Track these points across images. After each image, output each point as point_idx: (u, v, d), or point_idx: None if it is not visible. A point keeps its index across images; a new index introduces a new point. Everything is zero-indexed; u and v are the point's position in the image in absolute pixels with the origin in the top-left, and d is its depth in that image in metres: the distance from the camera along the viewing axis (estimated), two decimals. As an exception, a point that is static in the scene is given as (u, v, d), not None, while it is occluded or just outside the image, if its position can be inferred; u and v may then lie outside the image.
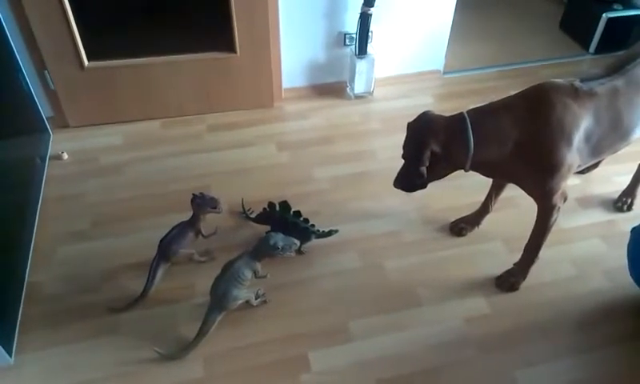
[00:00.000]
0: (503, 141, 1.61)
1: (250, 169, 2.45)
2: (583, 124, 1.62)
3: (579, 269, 2.01)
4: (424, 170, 1.64)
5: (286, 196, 2.06)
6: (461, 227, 2.15)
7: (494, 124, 1.61)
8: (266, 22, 2.52)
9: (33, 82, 2.43)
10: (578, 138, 1.63)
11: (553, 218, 1.78)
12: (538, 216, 1.81)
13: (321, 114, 2.81)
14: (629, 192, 2.27)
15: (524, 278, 1.94)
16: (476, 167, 1.68)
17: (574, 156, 1.63)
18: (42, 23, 2.30)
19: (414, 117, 1.73)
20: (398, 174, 1.78)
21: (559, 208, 1.75)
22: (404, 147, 1.74)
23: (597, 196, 2.32)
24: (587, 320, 1.85)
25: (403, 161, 1.75)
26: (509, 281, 1.95)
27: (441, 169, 1.69)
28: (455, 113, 1.65)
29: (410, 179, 1.73)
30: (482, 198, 2.11)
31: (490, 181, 2.03)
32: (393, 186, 1.78)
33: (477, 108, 1.66)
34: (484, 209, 2.12)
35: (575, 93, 1.62)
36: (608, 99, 1.65)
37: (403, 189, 1.78)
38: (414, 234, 2.14)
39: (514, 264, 1.96)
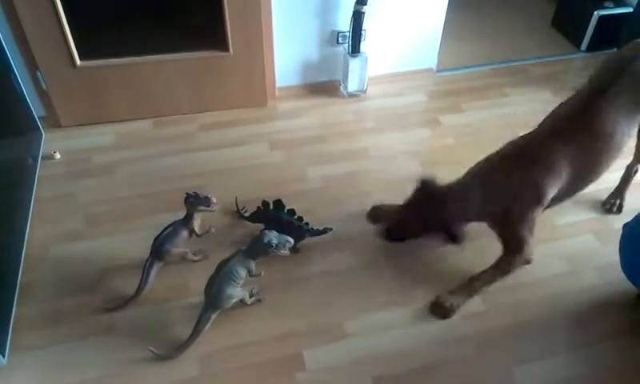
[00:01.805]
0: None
1: (243, 168, 2.44)
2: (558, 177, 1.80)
3: (572, 265, 2.02)
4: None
5: (279, 194, 2.06)
6: None
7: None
8: (258, 21, 2.52)
9: (25, 81, 2.41)
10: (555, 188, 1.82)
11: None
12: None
13: (314, 113, 2.81)
14: (617, 194, 2.27)
15: (461, 305, 1.87)
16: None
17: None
18: (33, 22, 2.28)
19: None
20: (391, 229, 2.00)
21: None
22: (411, 213, 1.94)
23: (589, 193, 2.32)
24: (581, 316, 1.86)
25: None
26: (444, 306, 1.85)
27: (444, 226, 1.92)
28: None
29: (408, 235, 1.99)
30: None
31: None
32: (381, 239, 2.02)
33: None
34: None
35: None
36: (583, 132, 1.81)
37: (397, 241, 2.02)
38: (408, 232, 2.14)
39: (456, 287, 1.90)
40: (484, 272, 1.88)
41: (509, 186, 1.78)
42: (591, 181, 1.91)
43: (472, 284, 1.87)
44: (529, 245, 1.83)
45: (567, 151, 1.76)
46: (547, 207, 1.86)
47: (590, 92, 1.84)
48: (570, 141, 1.77)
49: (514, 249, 1.84)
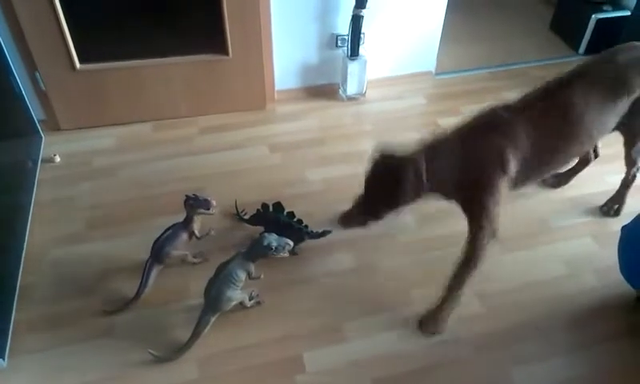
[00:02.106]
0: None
1: (243, 170, 2.45)
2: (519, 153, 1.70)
3: (571, 268, 2.03)
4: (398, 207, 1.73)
5: (279, 197, 2.06)
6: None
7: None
8: (258, 24, 2.53)
9: (24, 84, 2.41)
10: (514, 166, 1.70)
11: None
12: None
13: (313, 116, 2.82)
14: (616, 199, 2.27)
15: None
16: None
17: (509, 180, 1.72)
18: (33, 25, 2.29)
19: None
20: (348, 215, 1.86)
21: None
22: (370, 190, 1.77)
23: (588, 195, 2.34)
24: (580, 318, 1.86)
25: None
26: (427, 328, 1.83)
27: (406, 201, 1.73)
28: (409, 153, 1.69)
29: (371, 216, 1.82)
30: None
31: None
32: (339, 225, 1.88)
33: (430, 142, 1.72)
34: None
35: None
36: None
37: (356, 226, 1.87)
38: (407, 235, 2.14)
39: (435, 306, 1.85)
40: (456, 274, 1.76)
41: (474, 154, 1.70)
42: (551, 165, 1.84)
43: (451, 294, 1.78)
44: (495, 216, 1.72)
45: (531, 127, 1.70)
46: (513, 186, 1.77)
47: (570, 73, 1.81)
48: (536, 118, 1.71)
49: (480, 221, 1.72)
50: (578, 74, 1.79)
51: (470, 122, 1.74)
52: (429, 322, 1.82)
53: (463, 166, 1.68)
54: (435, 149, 1.70)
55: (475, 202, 1.73)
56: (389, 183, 1.71)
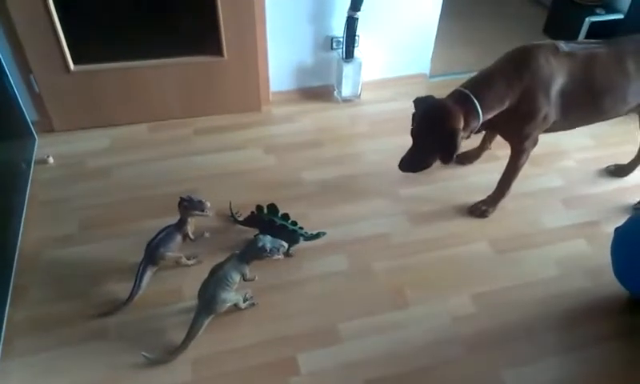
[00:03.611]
0: (502, 102, 1.86)
1: (237, 172, 2.45)
2: (559, 79, 1.86)
3: (564, 268, 2.04)
4: (454, 153, 1.84)
5: (273, 199, 2.06)
6: (464, 158, 2.51)
7: (492, 91, 1.86)
8: (252, 26, 2.53)
9: (18, 85, 2.40)
10: (555, 90, 1.87)
11: (522, 160, 2.08)
12: (510, 158, 2.10)
13: (308, 118, 2.82)
14: (631, 166, 2.43)
15: (494, 209, 2.23)
16: (479, 128, 1.91)
17: (550, 108, 1.89)
18: (27, 26, 2.28)
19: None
20: (407, 158, 1.97)
21: (529, 152, 2.05)
22: (418, 134, 1.92)
23: (581, 196, 2.36)
24: (572, 319, 1.87)
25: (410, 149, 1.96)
26: (480, 209, 2.23)
27: (459, 144, 1.84)
28: (451, 92, 1.92)
29: (424, 162, 1.95)
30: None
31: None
32: (399, 170, 1.99)
33: (471, 81, 1.92)
34: (482, 146, 2.48)
35: (555, 51, 1.87)
36: (585, 62, 1.89)
37: (414, 171, 2.00)
38: (401, 236, 2.15)
39: (488, 196, 2.24)
40: (504, 173, 2.15)
41: (524, 85, 1.84)
42: (584, 113, 2.00)
43: (500, 187, 2.18)
44: (537, 137, 2.00)
45: (576, 70, 1.87)
46: (554, 122, 1.95)
47: (618, 40, 1.98)
48: (579, 65, 1.88)
49: (523, 145, 2.01)
50: (623, 43, 1.96)
51: (516, 57, 1.90)
52: (480, 208, 2.22)
53: (513, 97, 1.85)
54: (483, 82, 1.88)
55: (516, 128, 1.96)
56: (431, 126, 1.86)
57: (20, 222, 2.13)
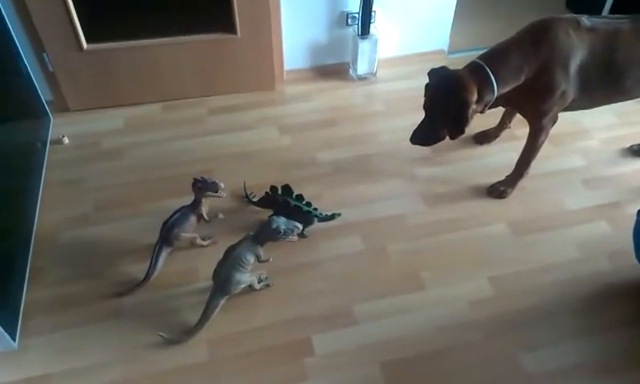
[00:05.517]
0: (518, 75, 1.80)
1: (251, 152, 2.43)
2: (579, 55, 1.79)
3: (584, 251, 2.00)
4: (464, 126, 1.80)
5: (288, 179, 2.04)
6: (482, 138, 2.45)
7: (508, 64, 1.80)
8: (266, 3, 2.48)
9: (32, 65, 2.40)
10: (574, 66, 1.80)
11: (541, 139, 2.01)
12: (529, 136, 2.04)
13: (323, 96, 2.78)
14: None
15: (512, 189, 2.18)
16: (494, 103, 1.86)
17: (568, 84, 1.82)
18: (39, 5, 2.26)
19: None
20: (418, 130, 1.93)
21: (548, 131, 1.99)
22: (430, 106, 1.88)
23: (603, 178, 2.30)
24: (592, 303, 1.84)
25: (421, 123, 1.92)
26: (498, 190, 2.19)
27: (471, 117, 1.80)
28: (467, 64, 1.84)
29: (435, 135, 1.91)
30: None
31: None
32: (410, 143, 1.96)
33: (488, 53, 1.84)
34: (502, 124, 2.40)
35: (576, 25, 1.80)
36: (607, 38, 1.81)
37: (425, 144, 1.99)
38: (417, 217, 2.12)
39: (506, 176, 2.19)
40: (523, 153, 2.10)
41: (542, 59, 1.78)
42: (604, 92, 1.93)
43: (519, 167, 2.13)
44: (556, 113, 1.94)
45: (597, 46, 1.80)
46: (572, 99, 1.88)
47: (636, 17, 1.88)
48: (599, 42, 1.80)
49: (542, 121, 1.94)
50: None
51: (534, 29, 1.83)
52: (498, 189, 2.18)
53: (529, 70, 1.79)
54: (500, 54, 1.82)
55: (535, 104, 1.90)
56: (445, 98, 1.81)
57: (36, 203, 2.14)
